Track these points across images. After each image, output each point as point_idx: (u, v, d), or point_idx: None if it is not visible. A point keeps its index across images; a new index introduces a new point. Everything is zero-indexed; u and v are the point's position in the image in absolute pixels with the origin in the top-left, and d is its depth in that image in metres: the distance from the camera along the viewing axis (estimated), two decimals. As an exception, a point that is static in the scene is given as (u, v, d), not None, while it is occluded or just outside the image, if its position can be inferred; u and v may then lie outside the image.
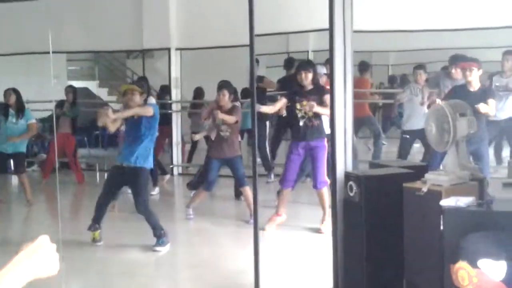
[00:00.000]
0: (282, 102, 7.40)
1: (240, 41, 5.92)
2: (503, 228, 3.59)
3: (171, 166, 11.69)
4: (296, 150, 7.17)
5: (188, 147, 11.88)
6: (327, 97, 6.83)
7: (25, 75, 13.01)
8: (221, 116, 7.51)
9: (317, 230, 7.17)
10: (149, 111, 6.60)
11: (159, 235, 6.68)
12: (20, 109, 9.14)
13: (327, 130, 7.72)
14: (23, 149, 9.26)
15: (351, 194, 4.55)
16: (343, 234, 4.68)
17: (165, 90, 11.98)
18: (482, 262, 3.44)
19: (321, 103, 7.00)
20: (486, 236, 3.56)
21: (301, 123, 7.13)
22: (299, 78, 7.16)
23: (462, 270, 3.50)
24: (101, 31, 11.99)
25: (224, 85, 7.81)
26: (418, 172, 4.48)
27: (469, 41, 11.02)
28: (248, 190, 7.66)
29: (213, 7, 11.08)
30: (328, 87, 7.81)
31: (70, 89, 10.85)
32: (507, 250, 3.44)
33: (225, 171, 8.37)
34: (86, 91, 15.70)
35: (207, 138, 8.20)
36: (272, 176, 10.20)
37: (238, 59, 10.66)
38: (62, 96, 10.99)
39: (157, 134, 6.92)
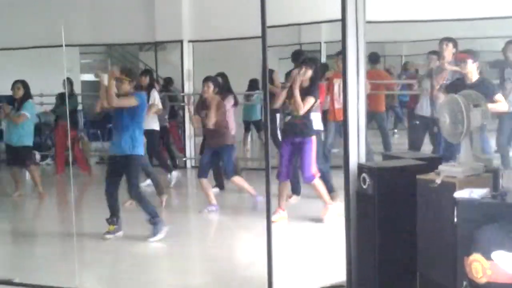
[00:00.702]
0: (283, 96, 7.38)
1: (252, 33, 5.87)
2: (517, 220, 3.57)
3: (184, 159, 11.71)
4: (285, 144, 7.29)
5: (199, 139, 11.90)
6: (309, 98, 7.15)
7: (38, 69, 13.06)
8: (195, 120, 8.16)
9: (319, 220, 7.25)
10: (130, 102, 6.72)
11: (154, 222, 6.79)
12: (23, 101, 9.08)
13: (318, 127, 7.80)
14: (28, 142, 9.18)
15: (364, 186, 4.53)
16: (356, 226, 4.66)
17: (169, 82, 12.01)
18: (496, 254, 3.41)
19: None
20: (500, 228, 3.54)
21: (287, 119, 7.26)
22: (298, 74, 7.19)
23: (476, 262, 3.47)
24: (113, 24, 12.00)
25: (209, 78, 8.06)
26: (432, 163, 4.45)
27: (483, 31, 10.93)
28: (236, 179, 8.02)
29: (225, -1, 11.07)
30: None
31: (68, 81, 10.76)
32: (522, 242, 3.41)
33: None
34: (99, 84, 15.72)
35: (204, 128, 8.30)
36: None
37: (250, 51, 10.63)
38: (76, 89, 11.05)
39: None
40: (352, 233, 4.66)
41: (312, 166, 7.26)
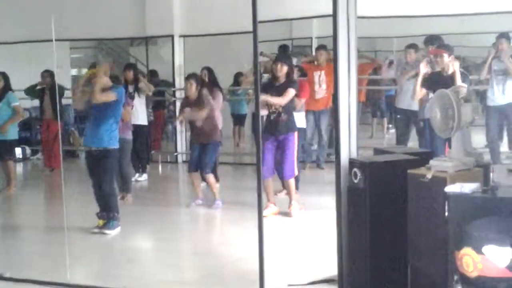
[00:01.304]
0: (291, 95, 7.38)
1: (244, 28, 5.88)
2: (508, 214, 3.58)
3: (175, 154, 11.69)
4: (268, 142, 7.30)
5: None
6: (289, 90, 7.16)
7: (28, 63, 12.99)
8: (187, 113, 8.00)
9: (287, 214, 7.32)
10: (109, 97, 6.72)
11: (113, 217, 6.84)
12: (3, 94, 9.01)
13: (301, 124, 7.83)
14: (10, 136, 9.13)
15: (355, 181, 4.54)
16: (347, 220, 4.68)
17: (154, 74, 12.01)
18: (487, 248, 3.43)
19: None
20: (491, 222, 3.55)
21: (271, 117, 7.26)
22: (273, 69, 7.21)
23: (467, 256, 3.48)
24: (104, 19, 11.95)
25: (191, 76, 8.14)
26: (423, 158, 4.47)
27: (473, 27, 10.97)
28: (211, 178, 7.99)
29: (216, -6, 11.05)
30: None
31: (48, 74, 10.71)
32: (512, 236, 3.43)
33: (225, 158, 8.38)
34: (86, 79, 15.67)
35: (191, 124, 8.32)
36: None
37: (241, 46, 10.63)
38: (66, 84, 10.99)
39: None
40: (343, 227, 4.67)
41: (294, 164, 7.35)
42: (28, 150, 12.45)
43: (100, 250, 6.58)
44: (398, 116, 9.09)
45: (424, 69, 7.05)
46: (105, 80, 6.78)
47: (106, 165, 6.81)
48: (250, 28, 4.51)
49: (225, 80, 10.50)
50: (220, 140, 8.21)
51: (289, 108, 7.32)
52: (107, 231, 6.80)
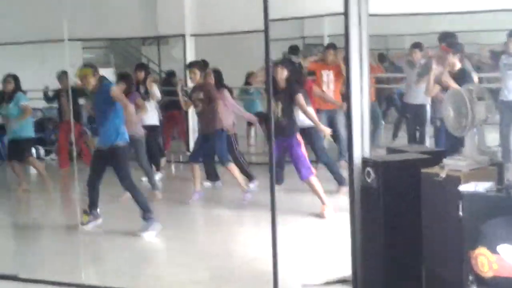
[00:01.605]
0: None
1: (255, 27, 5.86)
2: (523, 214, 3.56)
3: (188, 154, 11.69)
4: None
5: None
6: (297, 97, 7.15)
7: (40, 64, 13.05)
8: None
9: (320, 215, 7.22)
10: (131, 112, 6.93)
11: (146, 218, 6.75)
12: (12, 95, 9.05)
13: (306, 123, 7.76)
14: (24, 135, 9.13)
15: (369, 180, 4.52)
16: (361, 220, 4.66)
17: (171, 75, 11.99)
18: (502, 248, 3.41)
19: (291, 102, 7.20)
20: (505, 221, 3.53)
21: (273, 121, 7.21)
22: (274, 73, 7.18)
23: (481, 256, 3.47)
24: (116, 19, 11.98)
25: (193, 64, 8.27)
26: (436, 157, 4.44)
27: (485, 24, 10.91)
28: (231, 167, 7.99)
29: (228, -7, 11.05)
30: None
31: (65, 75, 10.73)
32: (527, 236, 3.40)
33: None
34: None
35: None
36: None
37: (253, 45, 10.63)
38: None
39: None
40: (357, 227, 4.66)
41: (305, 163, 7.24)
42: (42, 150, 12.48)
43: (114, 250, 6.59)
44: (408, 114, 9.13)
45: (435, 66, 7.07)
46: (91, 80, 6.75)
47: (118, 162, 6.79)
48: (262, 27, 4.51)
49: (236, 79, 10.49)
50: (221, 127, 8.09)
51: (289, 112, 7.24)
52: (143, 234, 6.69)
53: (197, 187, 8.16)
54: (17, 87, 9.15)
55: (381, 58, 12.82)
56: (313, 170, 7.36)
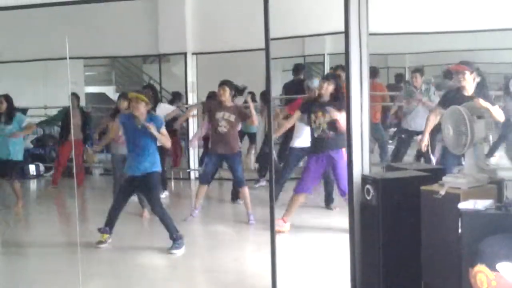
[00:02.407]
0: (286, 127, 7.63)
1: (256, 45, 5.91)
2: (522, 231, 3.57)
3: (188, 171, 11.71)
4: (313, 161, 7.20)
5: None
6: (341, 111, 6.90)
7: (42, 81, 13.11)
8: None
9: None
10: (168, 143, 6.89)
11: (175, 237, 6.75)
12: (10, 115, 9.08)
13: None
14: (15, 156, 9.14)
15: (368, 197, 4.53)
16: (360, 237, 4.66)
17: (176, 96, 12.01)
18: (501, 265, 3.41)
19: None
20: (504, 239, 3.54)
21: (315, 135, 7.20)
22: (319, 88, 7.21)
23: (480, 273, 3.47)
24: (117, 37, 12.04)
25: (225, 82, 8.00)
26: (436, 175, 4.45)
27: (486, 43, 10.95)
28: (246, 190, 7.89)
29: (229, 11, 11.10)
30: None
31: (74, 96, 10.85)
32: (526, 253, 3.41)
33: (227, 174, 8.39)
34: (103, 96, 15.79)
35: (210, 134, 8.23)
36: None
37: (254, 63, 10.67)
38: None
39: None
40: (356, 244, 4.66)
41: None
42: (41, 167, 12.51)
43: (113, 266, 6.58)
44: (403, 135, 9.18)
45: (433, 121, 6.86)
46: (142, 108, 6.67)
47: (152, 188, 6.80)
48: (263, 46, 4.54)
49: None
50: (240, 150, 8.10)
51: (334, 125, 7.12)
52: (174, 251, 6.70)
53: (197, 205, 8.13)
54: (10, 107, 9.18)
55: (398, 78, 12.91)
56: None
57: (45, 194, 11.06)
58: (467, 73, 6.41)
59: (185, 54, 11.76)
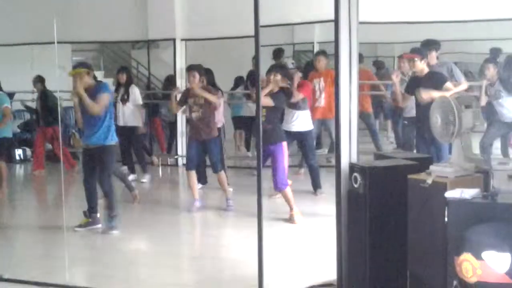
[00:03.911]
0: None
1: (245, 32, 5.89)
2: (507, 220, 3.58)
3: (176, 157, 11.69)
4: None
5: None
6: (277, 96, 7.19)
7: (30, 66, 13.01)
8: (198, 92, 7.68)
9: (289, 220, 7.24)
10: (105, 102, 6.80)
11: (114, 215, 6.94)
12: None
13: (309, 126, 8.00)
14: (5, 133, 8.99)
15: (356, 186, 4.54)
16: (347, 225, 4.68)
17: (171, 81, 11.97)
18: (487, 254, 3.43)
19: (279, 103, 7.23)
20: (490, 228, 3.56)
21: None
22: (267, 81, 7.24)
23: (466, 262, 3.49)
24: (106, 22, 11.96)
25: (193, 67, 7.93)
26: (423, 163, 4.47)
27: (476, 33, 10.98)
28: (222, 175, 7.95)
29: (219, -2, 11.07)
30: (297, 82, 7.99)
31: (38, 79, 10.81)
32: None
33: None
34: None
35: (187, 120, 8.23)
36: None
37: (243, 50, 10.65)
38: (67, 86, 10.95)
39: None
40: (343, 232, 4.68)
41: (285, 174, 7.26)
42: (28, 152, 12.46)
43: (99, 252, 6.58)
44: (405, 122, 9.12)
45: (396, 79, 7.26)
46: (87, 84, 6.78)
47: (105, 162, 6.90)
48: (252, 33, 4.52)
49: (226, 83, 10.49)
50: (219, 135, 8.12)
51: (274, 117, 7.22)
52: (112, 231, 6.87)
53: (196, 195, 8.06)
54: None
55: (378, 64, 12.88)
56: (288, 182, 7.34)
57: (31, 179, 11.00)
58: (417, 60, 6.98)
59: (174, 40, 11.69)
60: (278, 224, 7.18)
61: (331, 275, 4.88)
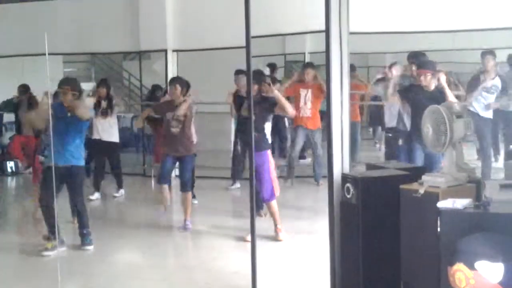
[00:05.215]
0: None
1: (237, 43, 5.89)
2: (500, 230, 3.58)
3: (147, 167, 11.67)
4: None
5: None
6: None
7: (21, 77, 12.97)
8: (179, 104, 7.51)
9: (274, 238, 7.01)
10: (87, 114, 6.78)
11: (87, 233, 6.84)
12: None
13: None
14: None
15: (348, 196, 4.54)
16: (340, 235, 4.67)
17: (156, 89, 11.95)
18: (480, 264, 3.43)
19: (266, 112, 6.97)
20: (483, 238, 3.56)
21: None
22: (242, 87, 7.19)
23: (459, 272, 3.49)
24: (97, 33, 11.96)
25: (176, 79, 7.87)
26: (415, 173, 4.47)
27: (466, 43, 11.04)
28: (188, 196, 7.70)
29: (210, 9, 11.07)
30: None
31: (24, 89, 10.77)
32: (504, 252, 3.43)
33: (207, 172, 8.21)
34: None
35: (164, 135, 7.93)
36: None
37: (234, 61, 10.66)
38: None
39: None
40: (336, 243, 4.67)
41: (272, 185, 6.97)
42: (20, 164, 12.38)
43: (91, 266, 6.51)
44: (389, 134, 9.14)
45: (396, 72, 7.34)
46: (69, 97, 6.69)
47: (76, 184, 6.79)
48: (243, 43, 4.53)
49: (218, 95, 10.48)
50: (194, 152, 7.96)
51: (260, 126, 6.93)
52: (88, 247, 6.80)
53: (165, 207, 8.05)
54: None
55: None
56: (276, 193, 7.05)
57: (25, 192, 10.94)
58: (429, 75, 6.94)
59: (165, 51, 11.70)
60: (264, 243, 6.88)
61: (325, 286, 4.86)
